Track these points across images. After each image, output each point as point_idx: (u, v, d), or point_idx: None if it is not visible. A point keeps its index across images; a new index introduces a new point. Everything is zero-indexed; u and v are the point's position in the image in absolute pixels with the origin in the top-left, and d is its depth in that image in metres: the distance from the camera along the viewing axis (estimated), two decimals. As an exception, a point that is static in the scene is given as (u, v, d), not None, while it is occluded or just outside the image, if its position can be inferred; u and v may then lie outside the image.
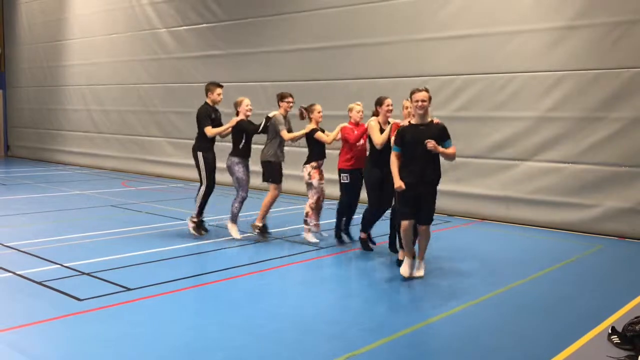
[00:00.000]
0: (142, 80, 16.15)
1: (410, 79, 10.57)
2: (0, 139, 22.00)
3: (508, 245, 8.26)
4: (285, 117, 8.02)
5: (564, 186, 9.17)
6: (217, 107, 8.34)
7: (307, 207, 7.88)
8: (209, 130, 8.02)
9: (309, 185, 7.82)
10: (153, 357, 4.27)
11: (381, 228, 7.83)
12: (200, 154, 8.13)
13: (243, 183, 8.00)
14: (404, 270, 6.17)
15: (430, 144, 5.97)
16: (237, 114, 8.07)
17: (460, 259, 7.05)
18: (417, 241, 6.43)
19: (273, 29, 12.99)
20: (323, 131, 7.89)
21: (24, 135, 21.21)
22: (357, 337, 4.70)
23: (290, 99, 8.07)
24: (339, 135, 7.63)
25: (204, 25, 14.39)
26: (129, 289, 5.81)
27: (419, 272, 6.31)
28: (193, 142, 8.39)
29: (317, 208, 7.92)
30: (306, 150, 8.03)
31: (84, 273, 6.36)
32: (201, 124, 8.09)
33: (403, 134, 6.17)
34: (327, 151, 8.07)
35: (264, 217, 8.10)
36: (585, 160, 8.97)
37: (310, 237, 7.91)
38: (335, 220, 7.95)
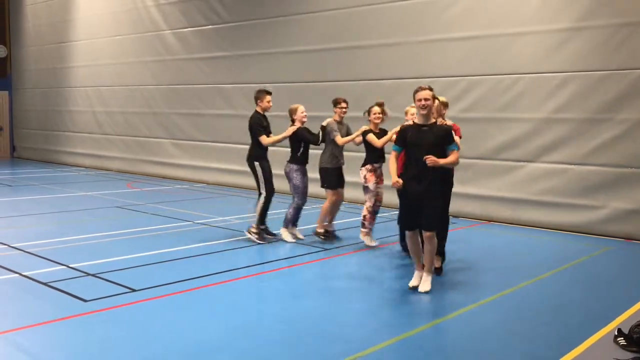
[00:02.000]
0: (147, 81, 16.18)
1: (416, 80, 10.50)
2: (6, 140, 22.08)
3: (514, 246, 8.24)
4: (340, 122, 7.95)
5: (569, 188, 9.14)
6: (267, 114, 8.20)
7: (364, 210, 7.74)
8: (265, 140, 7.94)
9: (365, 188, 7.69)
10: (158, 358, 4.27)
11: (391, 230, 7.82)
12: (257, 164, 8.04)
13: (299, 190, 7.97)
14: (412, 281, 5.95)
15: (430, 160, 5.59)
16: (293, 122, 7.99)
17: (466, 260, 7.02)
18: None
19: (278, 30, 13.00)
20: (386, 133, 7.61)
21: (30, 137, 21.28)
22: (363, 338, 4.69)
23: (343, 105, 7.99)
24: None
25: (209, 26, 14.41)
26: (134, 290, 5.81)
27: (424, 287, 5.84)
28: (247, 151, 8.24)
29: (374, 212, 7.75)
30: (363, 154, 7.85)
31: (89, 274, 6.37)
32: (255, 133, 7.99)
33: (404, 133, 5.88)
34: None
35: (330, 222, 7.99)
36: (591, 162, 8.94)
37: (368, 241, 7.80)
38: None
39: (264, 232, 8.16)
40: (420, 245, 5.97)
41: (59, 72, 19.42)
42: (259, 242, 8.01)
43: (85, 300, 5.48)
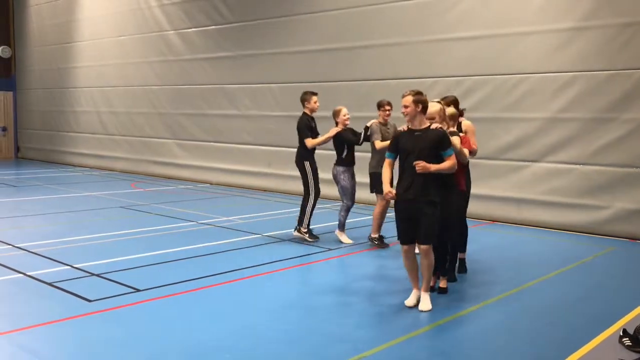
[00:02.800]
0: (151, 82, 16.21)
1: (420, 80, 10.55)
2: (10, 141, 22.14)
3: (518, 247, 8.22)
4: (385, 124, 7.85)
5: (575, 187, 9.11)
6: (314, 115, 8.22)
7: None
8: (309, 142, 7.98)
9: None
10: (162, 357, 4.27)
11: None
12: (306, 164, 8.08)
13: (347, 192, 7.95)
14: (408, 300, 5.52)
15: (420, 165, 5.25)
16: (336, 124, 7.97)
17: (471, 261, 7.00)
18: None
19: (282, 30, 13.00)
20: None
21: (34, 137, 21.33)
22: (367, 339, 4.69)
23: (387, 107, 7.86)
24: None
25: (213, 27, 14.42)
26: (138, 290, 5.82)
27: (423, 306, 5.41)
28: (295, 153, 8.29)
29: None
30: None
31: (93, 274, 6.38)
32: (302, 135, 8.06)
33: (398, 139, 5.56)
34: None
35: (378, 228, 7.93)
36: (596, 162, 8.91)
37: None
38: None
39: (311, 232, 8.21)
40: (416, 263, 5.57)
41: (63, 73, 19.47)
42: (311, 240, 8.08)
43: (89, 300, 5.48)
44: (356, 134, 7.90)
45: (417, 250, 5.56)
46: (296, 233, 8.23)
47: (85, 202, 11.47)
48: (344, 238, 8.10)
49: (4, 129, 21.89)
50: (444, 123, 5.94)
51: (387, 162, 5.65)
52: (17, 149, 22.22)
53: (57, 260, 6.90)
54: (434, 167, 5.31)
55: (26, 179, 15.52)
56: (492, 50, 9.84)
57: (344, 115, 7.93)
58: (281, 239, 8.27)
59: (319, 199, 8.23)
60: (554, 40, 9.20)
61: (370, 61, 11.49)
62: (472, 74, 10.09)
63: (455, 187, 6.00)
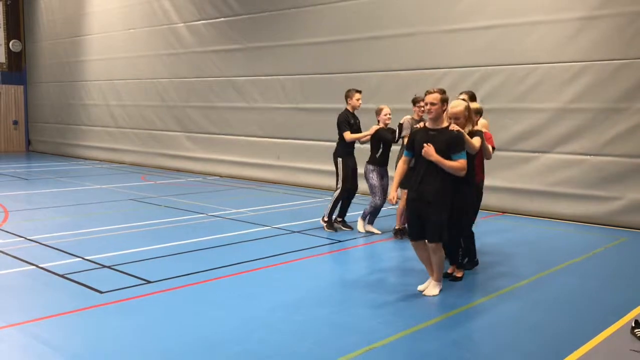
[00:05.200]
0: (160, 75, 16.23)
1: (430, 71, 10.51)
2: (21, 134, 22.28)
3: (529, 238, 8.18)
4: (419, 120, 7.73)
5: (586, 178, 9.06)
6: (356, 113, 8.26)
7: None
8: (347, 135, 8.03)
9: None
10: (173, 349, 4.29)
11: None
12: (340, 160, 8.18)
13: (375, 190, 7.95)
14: (422, 285, 5.69)
15: (425, 149, 5.27)
16: (378, 122, 7.96)
17: (481, 252, 6.98)
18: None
19: (291, 22, 12.97)
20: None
21: (45, 131, 21.45)
22: (378, 329, 4.69)
23: (422, 104, 7.90)
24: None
25: (222, 19, 14.41)
26: (149, 282, 5.85)
27: (430, 291, 5.56)
28: (334, 147, 8.38)
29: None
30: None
31: (104, 266, 6.41)
32: (340, 129, 8.11)
33: (413, 137, 5.57)
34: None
35: (400, 221, 7.97)
36: (607, 152, 8.85)
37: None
38: None
39: (334, 223, 8.33)
40: (428, 254, 5.59)
41: (73, 66, 19.54)
42: (328, 230, 8.21)
43: (101, 292, 5.52)
44: (393, 133, 7.89)
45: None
46: (321, 222, 8.42)
47: (96, 195, 11.52)
48: (360, 226, 8.16)
49: (16, 123, 22.02)
50: (469, 122, 5.79)
51: (402, 159, 5.73)
52: (28, 142, 22.35)
53: (68, 253, 6.95)
54: (436, 157, 5.27)
55: (37, 172, 15.62)
56: (503, 40, 9.76)
57: (385, 115, 7.89)
58: (291, 231, 8.28)
59: (352, 196, 8.34)
60: (565, 29, 9.12)
61: (380, 52, 11.44)
62: (483, 64, 10.02)
63: (474, 184, 5.96)
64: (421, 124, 5.68)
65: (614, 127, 8.75)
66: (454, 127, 5.43)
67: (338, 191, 8.21)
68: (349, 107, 8.18)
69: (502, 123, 9.76)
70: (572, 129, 9.13)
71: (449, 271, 6.13)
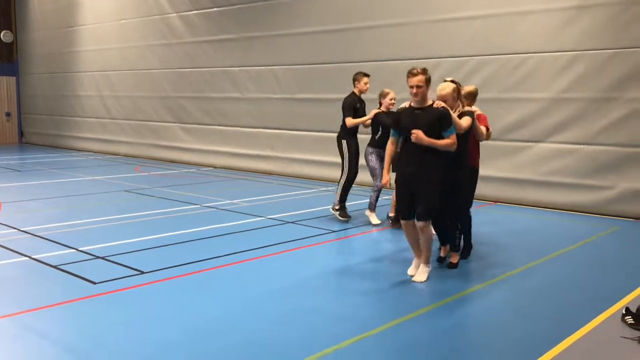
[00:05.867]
0: (153, 65, 16.16)
1: (423, 61, 10.47)
2: (14, 126, 22.17)
3: (522, 227, 8.22)
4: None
5: (578, 168, 9.09)
6: (362, 96, 8.21)
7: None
8: (349, 121, 7.99)
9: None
10: (167, 339, 4.30)
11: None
12: (344, 142, 8.14)
13: (375, 173, 7.94)
14: (410, 269, 5.77)
15: (414, 134, 5.30)
16: (380, 105, 7.94)
17: (474, 241, 7.00)
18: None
19: (284, 12, 12.91)
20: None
21: (38, 122, 21.35)
22: (370, 318, 4.71)
23: (393, 96, 7.92)
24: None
25: (215, 9, 14.34)
26: (142, 272, 5.85)
27: (419, 277, 5.59)
28: (337, 131, 8.33)
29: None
30: None
31: (98, 257, 6.41)
32: (344, 113, 8.08)
33: (398, 117, 5.61)
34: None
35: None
36: (599, 142, 8.88)
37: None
38: None
39: (345, 210, 8.29)
40: (417, 235, 5.62)
41: (65, 57, 19.42)
42: (342, 218, 8.18)
43: (94, 283, 5.52)
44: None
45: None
46: (331, 210, 8.37)
47: (89, 186, 11.50)
48: (373, 219, 8.14)
49: (8, 114, 21.91)
50: (458, 103, 5.83)
51: (390, 139, 5.75)
52: (21, 134, 22.25)
53: (61, 244, 6.94)
54: (428, 140, 5.29)
55: (30, 164, 15.56)
56: (495, 30, 9.76)
57: (390, 100, 7.88)
58: (285, 221, 8.29)
59: (354, 180, 8.29)
60: (557, 18, 9.12)
61: (373, 42, 11.41)
62: (475, 54, 10.02)
63: (467, 166, 5.97)
64: (406, 104, 5.71)
65: (607, 116, 8.78)
66: (439, 103, 5.45)
67: (345, 175, 8.16)
68: (355, 91, 8.14)
69: (494, 113, 9.76)
70: (565, 118, 9.16)
71: (442, 254, 6.20)
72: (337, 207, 8.27)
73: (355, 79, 8.18)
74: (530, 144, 9.56)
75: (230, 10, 14.01)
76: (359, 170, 8.35)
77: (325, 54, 12.20)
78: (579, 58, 8.96)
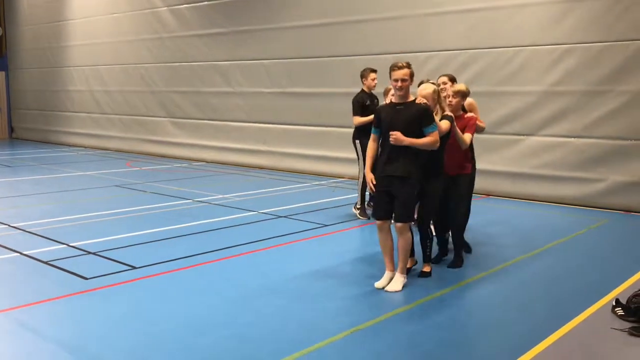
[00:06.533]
0: (144, 60, 16.08)
1: (415, 54, 10.48)
2: (4, 121, 22.01)
3: (513, 220, 8.25)
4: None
5: (569, 160, 9.13)
6: (373, 92, 8.11)
7: None
8: (356, 119, 7.91)
9: None
10: (159, 334, 4.30)
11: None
12: (357, 142, 8.06)
13: None
14: (379, 282, 5.31)
15: (393, 136, 5.07)
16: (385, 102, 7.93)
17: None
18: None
19: (275, 6, 12.87)
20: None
21: (28, 117, 21.21)
22: (362, 311, 4.73)
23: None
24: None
25: (205, 2, 14.26)
26: (134, 268, 5.84)
27: (393, 286, 5.23)
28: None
29: None
30: None
31: (89, 252, 6.39)
32: (353, 112, 7.99)
33: (379, 113, 5.40)
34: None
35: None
36: (590, 134, 8.92)
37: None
38: None
39: (367, 208, 8.18)
40: (392, 240, 5.36)
41: (55, 52, 19.29)
42: (361, 217, 8.08)
43: (86, 278, 5.51)
44: None
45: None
46: (353, 209, 8.33)
47: (81, 182, 11.45)
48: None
49: (-2, 109, 21.77)
50: (438, 108, 5.57)
51: (372, 137, 5.48)
52: (11, 130, 22.10)
53: (53, 239, 6.91)
54: (408, 140, 5.07)
55: (21, 159, 15.47)
56: (487, 23, 9.77)
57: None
58: (277, 216, 8.29)
59: None
60: (548, 12, 9.14)
61: (364, 36, 11.40)
62: (467, 47, 10.03)
63: (441, 174, 5.63)
64: (388, 100, 5.50)
65: (598, 110, 8.82)
66: (420, 99, 5.27)
67: (362, 175, 8.03)
68: (365, 88, 8.06)
69: (486, 106, 9.77)
70: (556, 111, 9.19)
71: (407, 265, 5.56)
72: (358, 207, 8.18)
73: (363, 75, 8.08)
74: (521, 137, 9.59)
75: (220, 4, 13.95)
76: None
77: (316, 47, 12.17)
78: (570, 52, 8.98)
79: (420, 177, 5.29)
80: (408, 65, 5.21)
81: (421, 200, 5.59)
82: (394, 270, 5.34)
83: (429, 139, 5.16)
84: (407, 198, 5.20)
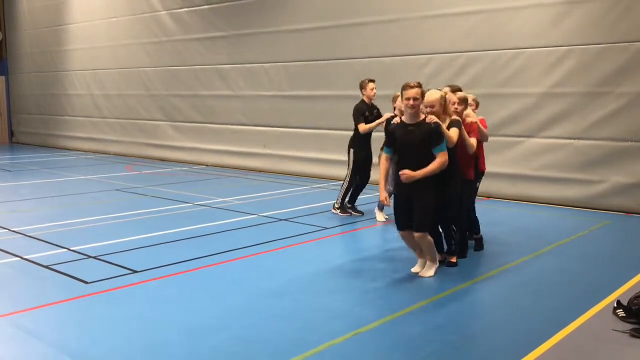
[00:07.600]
0: (144, 63, 16.09)
1: (414, 57, 10.51)
2: (4, 126, 22.02)
3: (514, 222, 8.25)
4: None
5: (569, 162, 9.13)
6: (374, 102, 8.24)
7: None
8: (362, 127, 8.01)
9: None
10: (159, 338, 4.29)
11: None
12: (351, 152, 8.23)
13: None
14: (415, 268, 5.81)
15: (404, 175, 5.37)
16: (394, 109, 7.83)
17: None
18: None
19: (275, 9, 12.88)
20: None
21: (28, 122, 21.21)
22: (363, 314, 4.72)
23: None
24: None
25: (205, 6, 14.28)
26: (135, 272, 5.83)
27: (426, 272, 5.71)
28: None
29: None
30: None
31: (90, 256, 6.39)
32: (355, 121, 8.09)
33: (393, 133, 5.62)
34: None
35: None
36: (591, 136, 8.92)
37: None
38: None
39: (347, 208, 8.41)
40: (415, 242, 5.71)
41: (55, 56, 19.30)
42: (342, 215, 8.31)
43: (86, 282, 5.50)
44: None
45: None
46: (333, 211, 8.51)
47: (81, 186, 11.45)
48: (379, 216, 8.14)
49: (-2, 114, 21.78)
50: (445, 114, 5.73)
51: (384, 156, 5.73)
52: (11, 134, 22.11)
53: (53, 244, 6.91)
54: (419, 174, 5.35)
55: (21, 164, 15.47)
56: (487, 25, 9.78)
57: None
58: (278, 219, 8.28)
59: (363, 187, 8.45)
60: (548, 13, 9.15)
61: (364, 38, 11.41)
62: (466, 50, 10.04)
63: (457, 174, 5.84)
64: (397, 119, 5.70)
65: (598, 111, 8.82)
66: (431, 118, 5.46)
67: (346, 181, 8.31)
68: (364, 98, 8.15)
69: (486, 109, 9.76)
70: (556, 113, 9.19)
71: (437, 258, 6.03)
72: (337, 206, 8.39)
73: (362, 85, 8.18)
74: (521, 139, 9.59)
75: (220, 8, 13.96)
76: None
77: (316, 50, 12.18)
78: (569, 53, 8.99)
79: (436, 191, 5.52)
80: (419, 85, 5.44)
81: (444, 206, 5.77)
82: (424, 257, 5.75)
83: (437, 164, 5.40)
84: (424, 209, 5.46)
